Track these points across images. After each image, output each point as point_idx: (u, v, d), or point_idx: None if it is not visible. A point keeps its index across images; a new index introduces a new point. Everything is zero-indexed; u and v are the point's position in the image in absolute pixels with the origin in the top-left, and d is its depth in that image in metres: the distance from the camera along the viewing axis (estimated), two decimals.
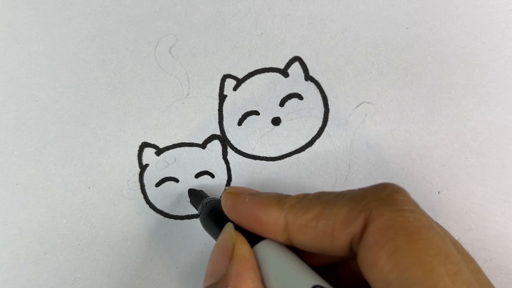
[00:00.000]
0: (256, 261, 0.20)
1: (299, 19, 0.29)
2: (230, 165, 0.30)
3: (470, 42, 0.29)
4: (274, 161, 0.30)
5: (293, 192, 0.21)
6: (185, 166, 0.30)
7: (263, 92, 0.30)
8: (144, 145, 0.30)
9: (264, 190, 0.30)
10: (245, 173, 0.30)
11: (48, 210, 0.30)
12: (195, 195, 0.29)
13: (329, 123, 0.30)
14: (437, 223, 0.21)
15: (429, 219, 0.17)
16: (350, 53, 0.29)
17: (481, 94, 0.29)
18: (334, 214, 0.18)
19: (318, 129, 0.30)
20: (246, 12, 0.29)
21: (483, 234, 0.30)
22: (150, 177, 0.30)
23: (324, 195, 0.20)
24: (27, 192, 0.30)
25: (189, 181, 0.30)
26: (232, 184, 0.31)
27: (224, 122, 0.30)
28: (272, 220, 0.20)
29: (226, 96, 0.30)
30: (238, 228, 0.21)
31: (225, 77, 0.30)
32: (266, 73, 0.30)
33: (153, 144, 0.30)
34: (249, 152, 0.30)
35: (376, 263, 0.16)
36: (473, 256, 0.20)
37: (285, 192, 0.22)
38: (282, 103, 0.30)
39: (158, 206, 0.31)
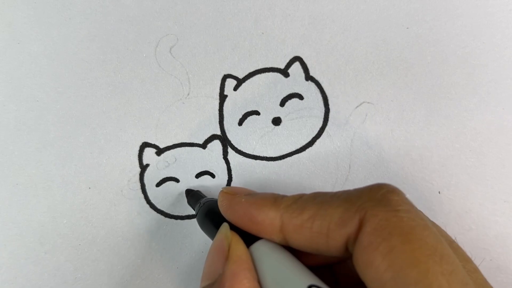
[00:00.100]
0: (252, 261, 0.20)
1: (299, 19, 0.29)
2: (231, 165, 0.30)
3: (470, 42, 0.29)
4: (275, 161, 0.30)
5: (293, 192, 0.21)
6: (186, 166, 0.30)
7: (263, 92, 0.30)
8: (145, 145, 0.30)
9: (264, 190, 0.30)
10: (246, 173, 0.30)
11: (49, 210, 0.30)
12: (192, 196, 0.29)
13: (329, 123, 0.30)
14: (433, 223, 0.21)
15: (424, 218, 0.17)
16: (351, 53, 0.29)
17: (481, 94, 0.29)
18: (329, 214, 0.18)
19: (318, 129, 0.30)
20: (246, 12, 0.29)
21: (483, 234, 0.30)
22: (151, 177, 0.30)
23: (320, 196, 0.20)
24: (28, 192, 0.30)
25: (189, 181, 0.30)
26: (233, 184, 0.31)
27: (225, 122, 0.30)
28: (267, 220, 0.20)
29: (226, 96, 0.30)
30: (234, 228, 0.21)
31: (225, 77, 0.30)
32: (267, 73, 0.30)
33: (154, 144, 0.30)
34: (249, 152, 0.30)
35: (371, 263, 0.16)
36: (473, 256, 0.20)
37: (285, 192, 0.22)
38: (282, 103, 0.30)
39: (159, 206, 0.31)
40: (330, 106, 0.30)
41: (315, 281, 0.18)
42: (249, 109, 0.30)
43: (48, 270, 0.30)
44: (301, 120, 0.30)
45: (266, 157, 0.30)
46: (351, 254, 0.18)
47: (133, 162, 0.30)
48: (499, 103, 0.29)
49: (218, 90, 0.30)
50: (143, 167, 0.30)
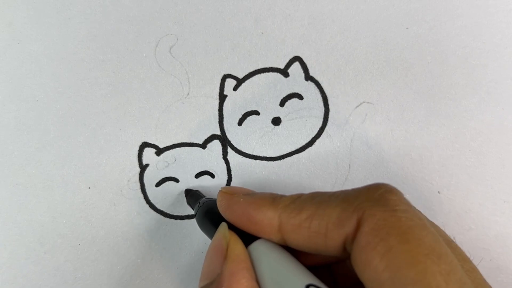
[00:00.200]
0: (250, 261, 0.20)
1: (299, 19, 0.29)
2: (230, 165, 0.30)
3: (470, 42, 0.29)
4: (274, 161, 0.30)
5: (293, 192, 0.21)
6: (185, 166, 0.30)
7: (263, 92, 0.30)
8: (144, 145, 0.30)
9: (264, 190, 0.30)
10: (245, 173, 0.30)
11: (48, 210, 0.30)
12: (192, 195, 0.29)
13: (329, 123, 0.30)
14: (432, 223, 0.21)
15: (422, 218, 0.17)
16: (350, 53, 0.29)
17: (481, 94, 0.29)
18: (327, 214, 0.18)
19: (318, 129, 0.30)
20: (246, 12, 0.29)
21: (483, 234, 0.30)
22: (150, 177, 0.30)
23: (318, 196, 0.20)
24: (27, 192, 0.30)
25: (189, 181, 0.30)
26: (232, 184, 0.31)
27: (224, 122, 0.30)
28: (266, 220, 0.20)
29: (226, 96, 0.30)
30: (233, 228, 0.21)
31: (225, 77, 0.30)
32: (266, 73, 0.30)
33: (153, 144, 0.30)
34: (249, 152, 0.30)
35: (369, 263, 0.16)
36: (473, 255, 0.20)
37: (285, 192, 0.22)
38: (282, 103, 0.30)
39: (158, 206, 0.31)
40: (330, 106, 0.30)
41: (313, 280, 0.18)
42: (249, 109, 0.30)
43: (48, 270, 0.30)
44: (301, 120, 0.30)
45: (266, 157, 0.30)
46: (349, 254, 0.18)
47: (132, 162, 0.30)
48: (499, 103, 0.29)
49: (217, 90, 0.30)
50: (143, 167, 0.30)
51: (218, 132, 0.30)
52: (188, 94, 0.30)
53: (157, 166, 0.30)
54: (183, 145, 0.30)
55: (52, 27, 0.29)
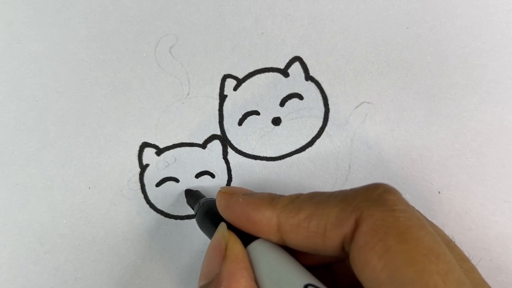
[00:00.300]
0: (249, 261, 0.20)
1: (299, 19, 0.29)
2: (231, 165, 0.30)
3: (470, 42, 0.29)
4: (275, 161, 0.30)
5: (293, 192, 0.21)
6: (186, 166, 0.30)
7: (263, 92, 0.30)
8: (145, 145, 0.30)
9: (264, 190, 0.30)
10: (245, 173, 0.30)
11: (48, 210, 0.30)
12: (192, 196, 0.29)
13: (329, 123, 0.30)
14: (431, 222, 0.21)
15: (420, 218, 0.17)
16: (350, 53, 0.29)
17: (481, 94, 0.29)
18: (325, 214, 0.18)
19: (318, 129, 0.30)
20: (246, 12, 0.29)
21: (483, 234, 0.30)
22: (151, 177, 0.30)
23: (317, 196, 0.20)
24: (27, 192, 0.30)
25: (189, 181, 0.30)
26: (232, 184, 0.31)
27: (225, 122, 0.30)
28: (264, 220, 0.20)
29: (226, 96, 0.30)
30: (232, 228, 0.21)
31: (225, 77, 0.30)
32: (267, 73, 0.30)
33: (154, 144, 0.30)
34: (249, 152, 0.30)
35: (367, 263, 0.16)
36: (473, 256, 0.20)
37: (285, 192, 0.22)
38: (282, 103, 0.30)
39: (159, 206, 0.31)
40: (330, 106, 0.30)
41: (311, 280, 0.18)
42: (249, 109, 0.30)
43: (48, 270, 0.30)
44: (301, 120, 0.30)
45: (266, 157, 0.30)
46: (348, 254, 0.18)
47: (133, 162, 0.30)
48: (499, 103, 0.29)
49: (218, 90, 0.30)
50: (143, 167, 0.30)
51: (218, 132, 0.30)
52: (188, 94, 0.30)
53: (157, 166, 0.30)
54: (183, 145, 0.30)
55: (52, 27, 0.29)
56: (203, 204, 0.26)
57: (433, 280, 0.15)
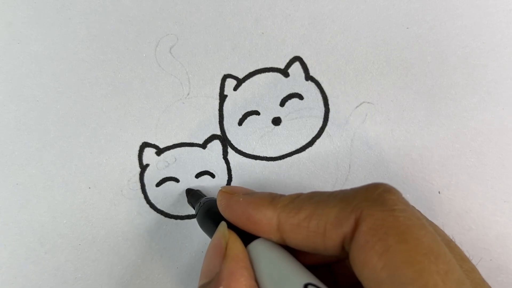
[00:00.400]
0: (249, 260, 0.20)
1: (299, 19, 0.29)
2: (231, 165, 0.30)
3: (470, 42, 0.29)
4: (275, 161, 0.30)
5: (293, 192, 0.21)
6: (186, 166, 0.30)
7: (263, 92, 0.30)
8: (145, 145, 0.30)
9: (264, 190, 0.30)
10: (246, 173, 0.30)
11: (49, 210, 0.30)
12: (193, 195, 0.29)
13: (329, 123, 0.30)
14: (431, 222, 0.21)
15: (420, 218, 0.17)
16: (351, 53, 0.29)
17: (481, 94, 0.29)
18: (325, 214, 0.18)
19: (318, 129, 0.30)
20: (246, 12, 0.29)
21: (483, 234, 0.30)
22: (151, 177, 0.30)
23: (317, 195, 0.20)
24: (28, 192, 0.30)
25: (189, 181, 0.30)
26: (232, 184, 0.31)
27: (225, 122, 0.30)
28: (265, 219, 0.20)
29: (226, 96, 0.30)
30: (232, 227, 0.21)
31: (225, 77, 0.30)
32: (267, 73, 0.30)
33: (154, 144, 0.30)
34: (249, 152, 0.30)
35: (367, 262, 0.16)
36: (473, 255, 0.20)
37: (285, 192, 0.22)
38: (282, 103, 0.30)
39: (159, 206, 0.31)
40: (330, 106, 0.30)
41: (311, 279, 0.18)
42: (249, 109, 0.30)
43: (48, 270, 0.30)
44: (301, 120, 0.30)
45: (266, 157, 0.30)
46: (348, 254, 0.18)
47: (133, 162, 0.30)
48: (499, 103, 0.29)
49: (218, 90, 0.30)
50: (143, 167, 0.30)
51: (218, 132, 0.30)
52: (188, 94, 0.30)
53: (157, 166, 0.30)
54: (183, 145, 0.30)
55: (52, 27, 0.29)
56: (204, 203, 0.26)
57: (432, 279, 0.15)
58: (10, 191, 0.30)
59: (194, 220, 0.31)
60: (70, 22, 0.29)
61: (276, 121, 0.30)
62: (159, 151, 0.30)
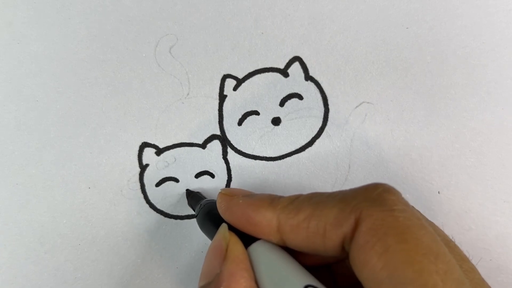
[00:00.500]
0: (249, 261, 0.20)
1: (299, 19, 0.29)
2: (230, 165, 0.30)
3: (470, 42, 0.29)
4: (274, 161, 0.30)
5: (293, 192, 0.21)
6: (185, 166, 0.30)
7: (263, 92, 0.30)
8: (144, 145, 0.30)
9: (264, 190, 0.30)
10: (245, 173, 0.30)
11: (48, 210, 0.30)
12: (193, 197, 0.29)
13: (329, 123, 0.30)
14: (430, 222, 0.21)
15: (419, 218, 0.17)
16: (350, 53, 0.29)
17: (481, 94, 0.29)
18: (324, 215, 0.18)
19: (318, 129, 0.30)
20: (246, 12, 0.29)
21: (483, 234, 0.30)
22: (150, 177, 0.30)
23: (316, 196, 0.20)
24: (27, 192, 0.30)
25: (189, 181, 0.30)
26: (232, 184, 0.31)
27: (224, 122, 0.30)
28: (265, 221, 0.20)
29: (226, 96, 0.30)
30: (233, 229, 0.21)
31: (225, 77, 0.30)
32: (266, 73, 0.30)
33: (153, 144, 0.30)
34: (249, 152, 0.30)
35: (367, 262, 0.16)
36: (473, 255, 0.20)
37: (285, 192, 0.22)
38: (282, 103, 0.30)
39: (158, 206, 0.31)
40: (330, 106, 0.30)
41: (311, 281, 0.18)
42: (249, 109, 0.30)
43: (48, 270, 0.30)
44: (301, 120, 0.30)
45: (266, 157, 0.30)
46: (348, 254, 0.18)
47: (132, 162, 0.30)
48: (499, 103, 0.29)
49: (217, 90, 0.30)
50: (143, 167, 0.30)
51: (218, 132, 0.30)
52: (188, 94, 0.30)
53: (157, 166, 0.30)
54: (183, 145, 0.30)
55: (52, 27, 0.29)
56: (204, 205, 0.26)
57: (432, 279, 0.15)
58: (10, 191, 0.30)
59: (194, 220, 0.31)
60: (70, 22, 0.29)
61: (276, 121, 0.30)
62: (159, 151, 0.30)
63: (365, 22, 0.29)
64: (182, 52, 0.29)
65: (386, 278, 0.15)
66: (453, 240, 0.21)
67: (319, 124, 0.30)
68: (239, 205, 0.21)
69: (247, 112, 0.30)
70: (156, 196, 0.30)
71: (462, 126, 0.30)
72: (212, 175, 0.31)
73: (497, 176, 0.30)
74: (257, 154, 0.30)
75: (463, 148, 0.30)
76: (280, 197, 0.21)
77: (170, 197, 0.31)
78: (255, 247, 0.20)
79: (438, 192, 0.30)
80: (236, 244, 0.20)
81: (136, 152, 0.30)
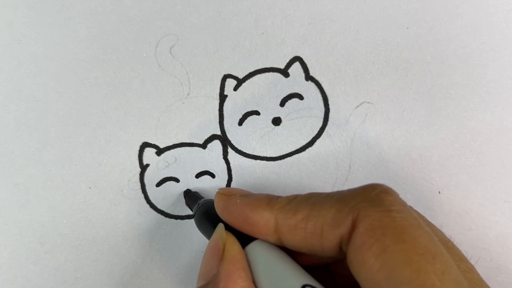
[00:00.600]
0: (246, 261, 0.20)
1: (299, 19, 0.29)
2: (231, 165, 0.30)
3: (470, 42, 0.29)
4: (275, 161, 0.30)
5: (293, 192, 0.21)
6: (186, 166, 0.30)
7: (263, 92, 0.30)
8: (145, 145, 0.30)
9: (264, 190, 0.30)
10: (246, 173, 0.30)
11: (49, 210, 0.30)
12: (190, 197, 0.29)
13: (329, 123, 0.30)
14: (429, 222, 0.21)
15: (416, 218, 0.17)
16: (351, 53, 0.29)
17: (481, 94, 0.29)
18: (322, 215, 0.18)
19: (318, 129, 0.30)
20: (246, 12, 0.29)
21: (483, 234, 0.30)
22: (151, 177, 0.30)
23: (314, 196, 0.20)
24: (28, 192, 0.30)
25: (189, 181, 0.30)
26: (232, 184, 0.31)
27: (225, 122, 0.30)
28: (262, 221, 0.20)
29: (226, 96, 0.30)
30: (230, 229, 0.21)
31: (225, 77, 0.30)
32: (267, 73, 0.30)
33: (154, 144, 0.30)
34: (249, 152, 0.30)
35: (364, 263, 0.16)
36: (473, 256, 0.20)
37: (285, 192, 0.22)
38: (282, 103, 0.30)
39: (159, 206, 0.31)
40: (330, 106, 0.30)
41: (309, 280, 0.18)
42: (249, 109, 0.30)
43: (48, 270, 0.30)
44: (301, 120, 0.30)
45: (266, 157, 0.30)
46: (345, 254, 0.18)
47: (133, 162, 0.30)
48: (499, 103, 0.29)
49: (218, 90, 0.30)
50: (143, 167, 0.30)
51: (219, 132, 0.30)
52: (188, 94, 0.30)
53: (157, 166, 0.30)
54: (184, 145, 0.30)
55: (52, 27, 0.29)
56: (201, 205, 0.26)
57: (429, 280, 0.15)
58: (10, 191, 0.30)
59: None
60: (70, 22, 0.29)
61: (276, 121, 0.30)
62: (159, 151, 0.30)
63: (365, 22, 0.29)
64: (183, 52, 0.29)
65: (383, 278, 0.15)
66: (452, 240, 0.21)
67: (320, 124, 0.30)
68: (237, 204, 0.21)
69: (248, 112, 0.30)
70: (157, 196, 0.30)
71: (462, 126, 0.30)
72: (213, 175, 0.31)
73: (497, 176, 0.30)
74: (258, 154, 0.30)
75: (463, 148, 0.30)
76: (278, 197, 0.21)
77: (171, 197, 0.31)
78: (253, 246, 0.20)
79: (439, 192, 0.30)
80: (233, 244, 0.20)
81: (137, 152, 0.30)
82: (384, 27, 0.29)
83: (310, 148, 0.30)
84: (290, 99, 0.30)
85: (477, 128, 0.30)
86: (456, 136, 0.30)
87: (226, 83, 0.30)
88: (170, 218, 0.31)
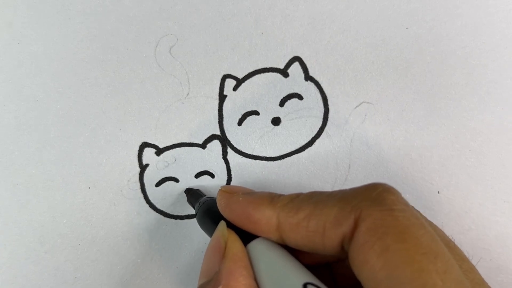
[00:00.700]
0: (248, 259, 0.20)
1: (299, 19, 0.29)
2: (230, 165, 0.30)
3: (470, 42, 0.29)
4: (274, 161, 0.30)
5: (292, 192, 0.21)
6: (185, 166, 0.30)
7: (263, 92, 0.30)
8: (144, 145, 0.30)
9: (264, 190, 0.30)
10: (245, 173, 0.30)
11: (49, 210, 0.30)
12: (192, 194, 0.29)
13: (329, 123, 0.30)
14: (430, 222, 0.21)
15: (419, 218, 0.17)
16: (350, 53, 0.29)
17: (481, 94, 0.29)
18: (324, 214, 0.18)
19: (318, 129, 0.30)
20: (246, 12, 0.29)
21: (483, 234, 0.30)
22: (150, 177, 0.30)
23: (316, 195, 0.20)
24: (28, 192, 0.30)
25: (189, 181, 0.30)
26: (232, 184, 0.31)
27: (224, 122, 0.30)
28: (264, 219, 0.20)
29: (226, 96, 0.30)
30: (232, 226, 0.21)
31: (225, 77, 0.30)
32: (266, 73, 0.30)
33: (153, 144, 0.30)
34: (249, 152, 0.30)
35: (366, 262, 0.16)
36: (473, 256, 0.20)
37: (285, 192, 0.22)
38: (282, 103, 0.30)
39: (158, 206, 0.31)
40: (330, 106, 0.30)
41: (311, 279, 0.18)
42: (249, 109, 0.30)
43: (48, 270, 0.30)
44: (301, 120, 0.30)
45: (266, 157, 0.30)
46: (347, 253, 0.18)
47: (132, 162, 0.30)
48: (499, 103, 0.29)
49: (217, 90, 0.30)
50: (143, 167, 0.30)
51: (218, 132, 0.30)
52: (188, 94, 0.30)
53: (157, 166, 0.30)
54: (183, 145, 0.30)
55: (52, 27, 0.29)
56: (203, 203, 0.26)
57: (431, 279, 0.15)
58: (10, 191, 0.30)
59: (194, 220, 0.31)
60: (70, 22, 0.29)
61: (276, 121, 0.30)
62: (159, 151, 0.30)
63: (365, 22, 0.29)
64: (182, 52, 0.29)
65: (385, 277, 0.15)
66: (453, 240, 0.21)
67: (319, 124, 0.30)
68: (239, 202, 0.21)
69: (247, 112, 0.30)
70: (156, 196, 0.30)
71: (462, 126, 0.30)
72: (212, 175, 0.31)
73: (497, 176, 0.30)
74: (257, 154, 0.30)
75: (463, 148, 0.30)
76: (280, 195, 0.21)
77: (170, 197, 0.31)
78: (255, 244, 0.20)
79: (438, 192, 0.30)
80: (234, 242, 0.20)
81: (136, 152, 0.30)
82: (384, 27, 0.29)
83: (309, 148, 0.30)
84: (289, 99, 0.30)
85: (477, 128, 0.30)
86: (456, 136, 0.30)
87: (226, 83, 0.30)
88: (170, 218, 0.31)
